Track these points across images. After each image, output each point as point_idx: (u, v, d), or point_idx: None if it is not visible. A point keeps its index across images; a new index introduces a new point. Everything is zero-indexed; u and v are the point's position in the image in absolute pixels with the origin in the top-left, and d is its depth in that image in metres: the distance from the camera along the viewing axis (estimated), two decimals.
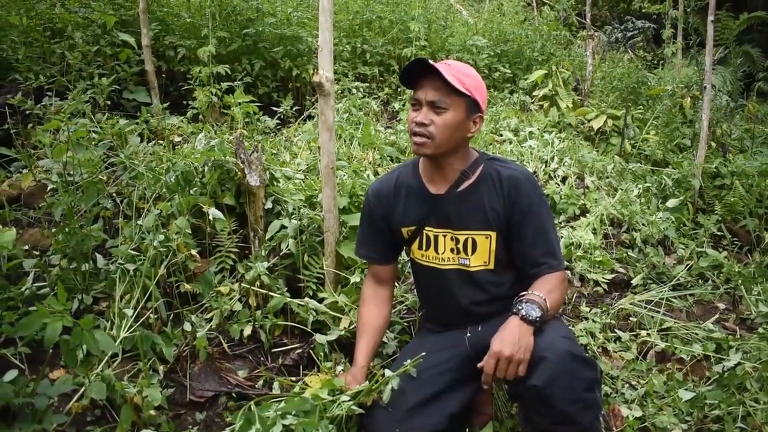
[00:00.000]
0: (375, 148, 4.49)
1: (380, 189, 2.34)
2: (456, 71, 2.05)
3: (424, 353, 2.05)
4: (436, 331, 2.37)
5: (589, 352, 2.88)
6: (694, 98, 5.81)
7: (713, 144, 5.44)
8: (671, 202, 4.42)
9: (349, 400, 1.97)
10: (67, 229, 2.47)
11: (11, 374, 1.95)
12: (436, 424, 2.03)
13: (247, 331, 2.58)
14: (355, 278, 2.71)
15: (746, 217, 4.42)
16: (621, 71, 7.38)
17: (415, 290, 2.67)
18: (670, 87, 6.70)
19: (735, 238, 4.32)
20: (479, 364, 1.88)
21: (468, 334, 2.24)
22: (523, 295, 1.98)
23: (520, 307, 1.91)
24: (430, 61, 2.03)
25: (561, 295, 2.09)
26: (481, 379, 1.86)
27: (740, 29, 9.12)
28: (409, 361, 2.01)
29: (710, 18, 4.70)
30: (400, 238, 2.34)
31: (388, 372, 1.98)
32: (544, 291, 1.99)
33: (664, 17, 8.97)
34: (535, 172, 4.65)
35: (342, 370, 2.33)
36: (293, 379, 2.48)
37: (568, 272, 3.57)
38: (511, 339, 1.83)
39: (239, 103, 3.88)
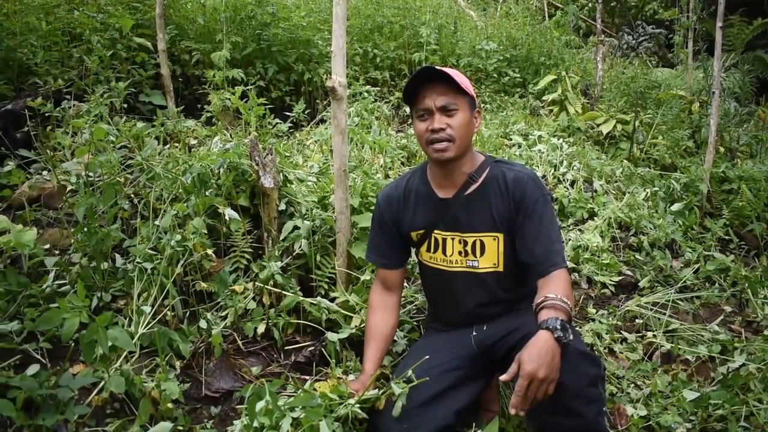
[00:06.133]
0: (385, 151, 4.55)
1: (390, 195, 2.40)
2: (453, 73, 2.12)
3: (428, 357, 2.09)
4: (442, 331, 2.43)
5: (596, 352, 2.92)
6: (702, 103, 5.82)
7: (721, 149, 5.46)
8: (676, 206, 4.46)
9: (357, 405, 2.03)
10: (86, 229, 2.54)
11: (33, 368, 2.03)
12: (444, 420, 2.08)
13: (261, 329, 2.65)
14: (365, 277, 2.77)
15: (753, 221, 4.44)
16: (628, 75, 7.40)
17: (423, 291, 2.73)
18: (681, 92, 6.73)
19: (742, 242, 4.35)
20: (502, 377, 1.79)
21: (474, 333, 2.30)
22: (548, 302, 1.91)
23: (555, 325, 1.80)
24: (437, 67, 2.10)
25: (572, 293, 2.12)
26: (512, 402, 1.73)
27: (754, 34, 9.13)
28: (415, 378, 2.05)
29: (719, 24, 4.73)
30: (409, 242, 2.41)
31: (396, 387, 2.02)
32: (563, 293, 1.93)
33: (676, 23, 8.99)
34: (544, 176, 4.70)
35: (353, 376, 2.38)
36: (305, 378, 2.54)
37: (576, 274, 3.62)
38: (544, 359, 1.73)
39: (251, 108, 3.95)
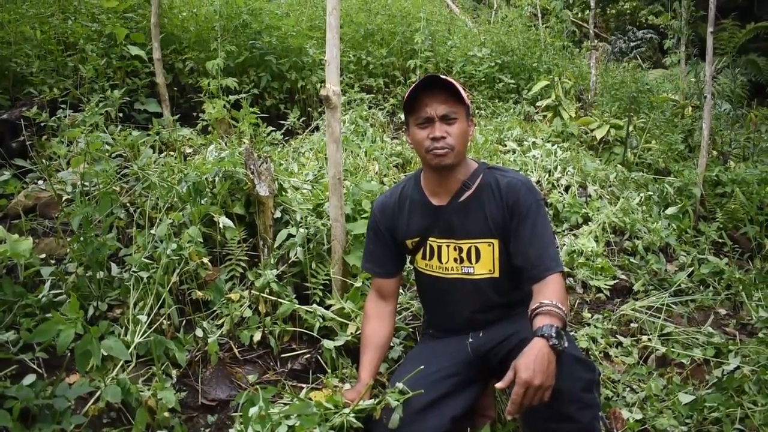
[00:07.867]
0: (379, 158, 4.56)
1: (385, 203, 2.42)
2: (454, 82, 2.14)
3: (422, 366, 2.10)
4: (438, 337, 2.43)
5: (591, 356, 2.93)
6: (695, 107, 5.85)
7: (714, 152, 5.49)
8: (670, 210, 4.48)
9: (352, 415, 2.03)
10: (82, 238, 2.55)
11: (29, 378, 2.03)
12: (440, 426, 2.07)
13: (257, 336, 2.66)
14: (357, 283, 2.78)
15: (747, 224, 4.47)
16: (618, 79, 7.42)
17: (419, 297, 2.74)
18: (674, 95, 6.76)
19: (736, 245, 4.37)
20: (498, 385, 1.80)
21: (470, 340, 2.31)
22: (543, 308, 1.91)
23: (549, 332, 1.80)
24: (442, 76, 2.11)
25: (567, 298, 2.12)
26: (507, 408, 1.75)
27: (747, 38, 9.15)
28: (411, 387, 2.06)
29: (709, 29, 4.76)
30: (404, 250, 2.42)
31: (391, 400, 2.03)
32: (558, 298, 1.94)
33: (667, 28, 9.02)
34: (538, 182, 4.72)
35: (348, 385, 2.39)
36: (302, 385, 2.54)
37: (570, 279, 3.63)
38: (540, 366, 1.74)
39: (244, 117, 3.96)
